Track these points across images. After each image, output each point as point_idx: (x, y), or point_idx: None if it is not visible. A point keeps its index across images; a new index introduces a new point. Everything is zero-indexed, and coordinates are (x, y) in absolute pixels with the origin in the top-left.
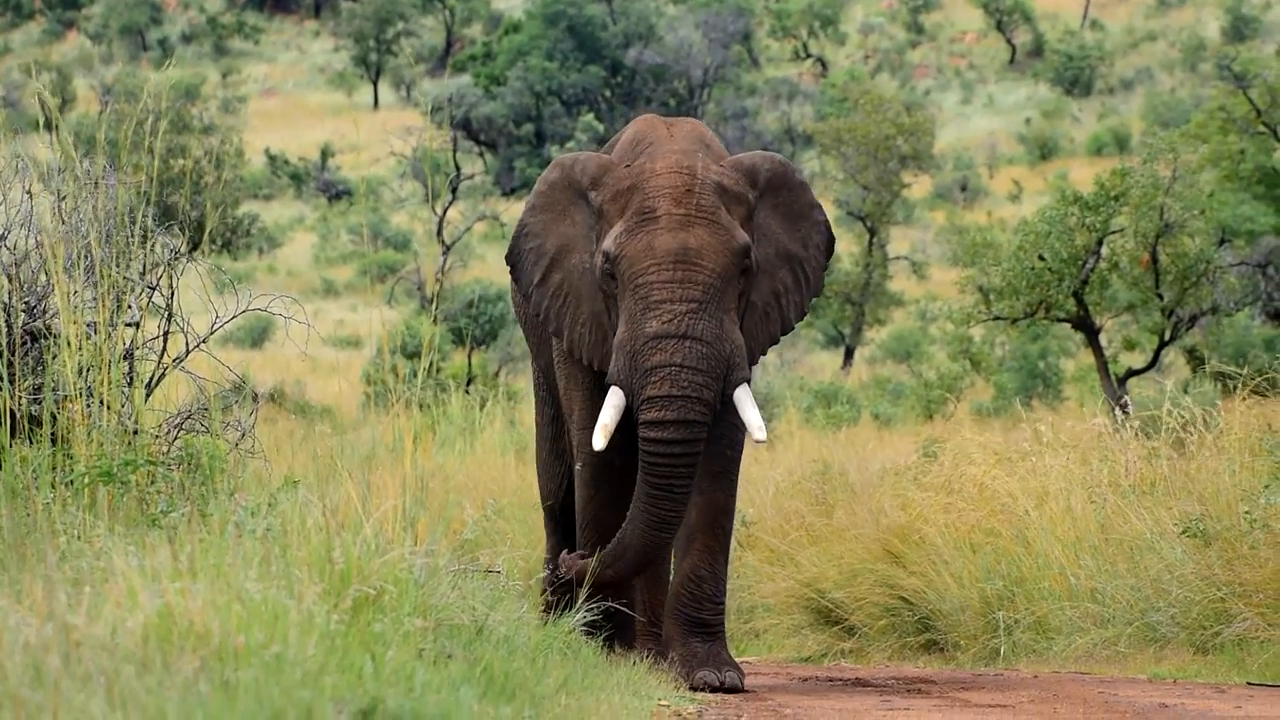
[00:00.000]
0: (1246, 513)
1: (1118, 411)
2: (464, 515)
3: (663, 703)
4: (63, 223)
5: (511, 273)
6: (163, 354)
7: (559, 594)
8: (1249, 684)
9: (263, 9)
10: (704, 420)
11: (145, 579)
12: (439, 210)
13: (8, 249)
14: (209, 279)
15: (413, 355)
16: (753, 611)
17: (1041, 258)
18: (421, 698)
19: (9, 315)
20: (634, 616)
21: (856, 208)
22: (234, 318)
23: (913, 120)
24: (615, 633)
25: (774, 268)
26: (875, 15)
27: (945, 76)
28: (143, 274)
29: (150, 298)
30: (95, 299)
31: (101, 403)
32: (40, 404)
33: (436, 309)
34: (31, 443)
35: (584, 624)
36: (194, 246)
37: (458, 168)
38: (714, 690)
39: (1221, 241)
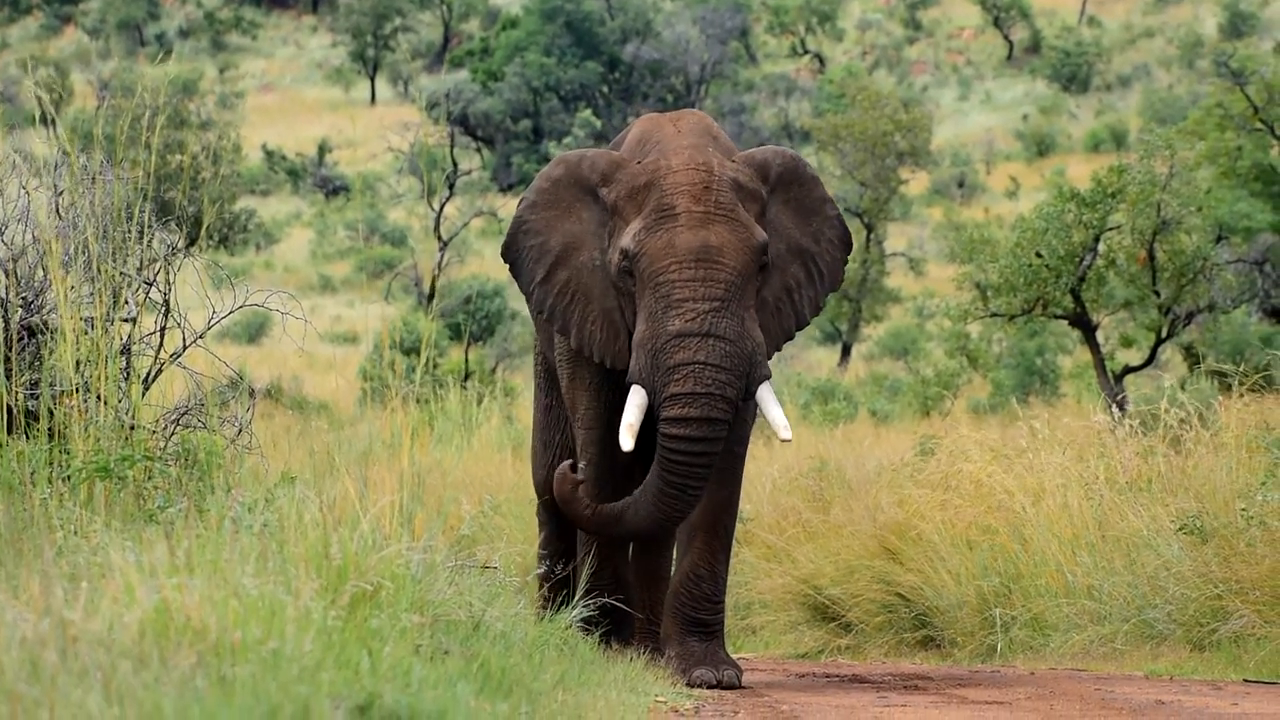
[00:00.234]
0: (1243, 510)
1: (1114, 409)
2: (461, 511)
3: (660, 699)
4: (60, 218)
5: (510, 269)
6: (160, 349)
7: (555, 590)
8: (1246, 681)
9: (260, 4)
10: (727, 419)
11: (142, 574)
12: (436, 206)
13: (5, 244)
14: (206, 274)
15: (410, 351)
16: (749, 608)
17: (1039, 254)
18: (418, 693)
19: (6, 310)
20: (631, 613)
21: (854, 204)
22: (231, 313)
23: (910, 117)
24: (612, 629)
25: (786, 263)
26: (873, 11)
27: (943, 73)
28: (140, 269)
29: (147, 293)
30: (92, 294)
31: (99, 398)
32: (37, 399)
33: (437, 304)
34: (28, 438)
35: (581, 620)
36: (191, 242)
37: (455, 163)
38: (711, 688)
39: (1219, 238)
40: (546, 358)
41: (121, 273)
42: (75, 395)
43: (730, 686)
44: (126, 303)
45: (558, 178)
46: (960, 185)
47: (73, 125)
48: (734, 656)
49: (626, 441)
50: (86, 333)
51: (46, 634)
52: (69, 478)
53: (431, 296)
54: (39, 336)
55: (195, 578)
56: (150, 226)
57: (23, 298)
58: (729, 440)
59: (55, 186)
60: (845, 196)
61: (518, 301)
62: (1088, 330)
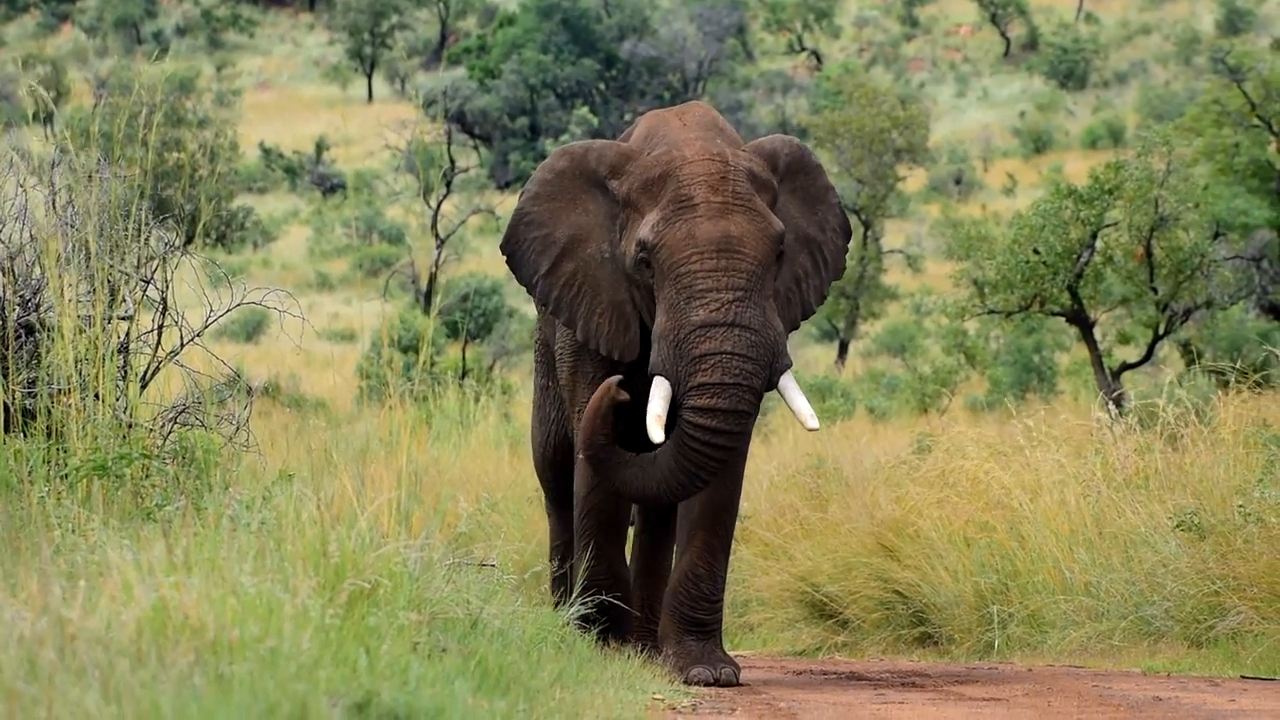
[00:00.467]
0: (1240, 507)
1: (1110, 406)
2: (458, 509)
3: (657, 697)
4: (57, 216)
5: (509, 262)
6: (157, 347)
7: (556, 586)
8: (1243, 677)
9: (257, 2)
10: (753, 411)
11: (140, 572)
12: (433, 204)
13: (2, 242)
14: (203, 272)
15: (408, 349)
16: (747, 605)
17: (1036, 251)
18: (416, 691)
19: (3, 309)
20: (629, 611)
21: (851, 201)
22: (228, 311)
23: (907, 113)
24: (610, 627)
25: (794, 252)
26: (870, 8)
27: (940, 70)
28: (137, 267)
29: (145, 291)
30: (90, 292)
31: (96, 396)
32: (35, 397)
33: (440, 301)
34: (26, 436)
35: (578, 617)
36: (188, 240)
37: (452, 161)
38: (709, 685)
39: (1216, 235)
40: (548, 343)
41: (119, 271)
42: (73, 393)
43: (728, 684)
44: (124, 301)
45: (562, 169)
46: (957, 182)
47: (69, 123)
48: (732, 654)
49: (657, 433)
50: (84, 331)
51: (44, 632)
52: (66, 476)
53: (430, 294)
54: (36, 335)
55: (193, 576)
56: (147, 224)
57: (20, 296)
58: None
59: (52, 184)
60: (842, 193)
61: (515, 299)
62: (1085, 327)
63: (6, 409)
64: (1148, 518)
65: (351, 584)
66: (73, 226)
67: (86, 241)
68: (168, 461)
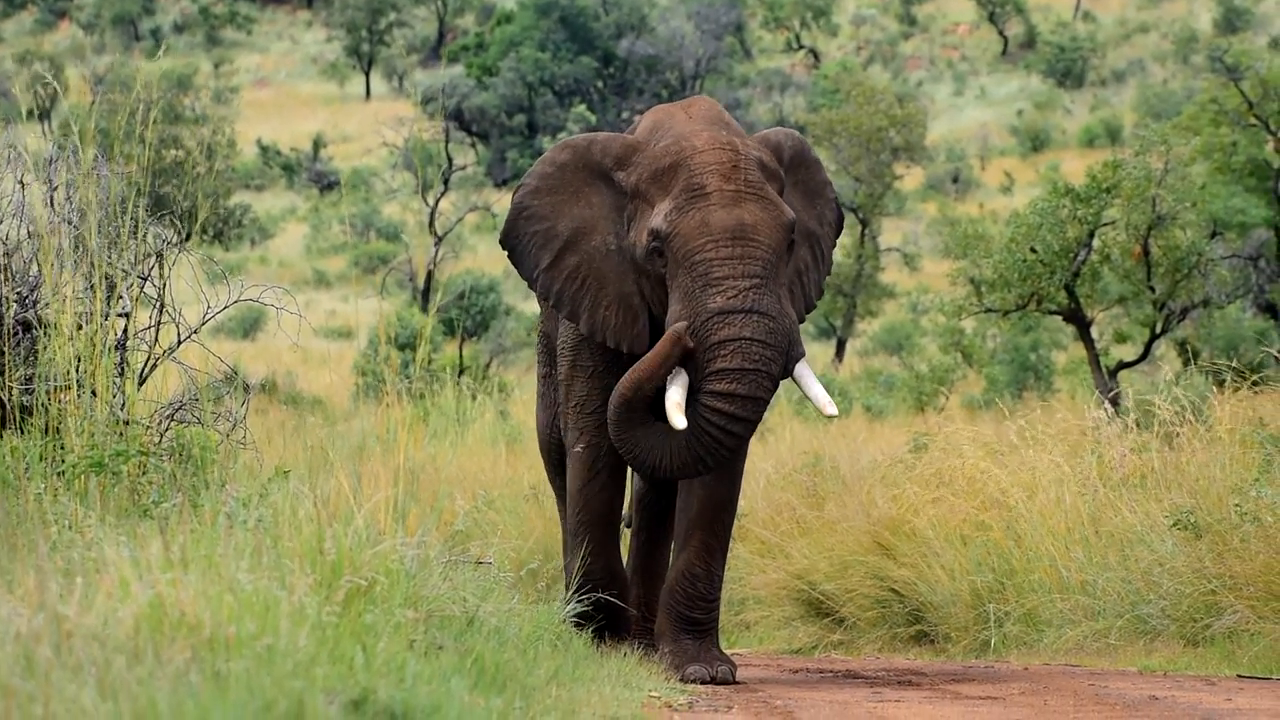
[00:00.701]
0: (1237, 505)
1: (1107, 405)
2: (455, 507)
3: (653, 694)
4: (55, 213)
5: (510, 256)
6: (154, 344)
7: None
8: (1239, 676)
9: None
10: (769, 398)
11: (137, 569)
12: (431, 201)
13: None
14: (201, 269)
15: (404, 346)
16: (743, 603)
17: (1033, 250)
18: (412, 689)
19: (1, 305)
20: (626, 609)
21: (848, 199)
22: (225, 308)
23: (905, 112)
24: (606, 624)
25: (797, 246)
26: (867, 7)
27: (937, 68)
28: (135, 264)
29: (142, 288)
30: (88, 289)
31: (93, 393)
32: (32, 394)
33: (438, 299)
34: (23, 433)
35: (575, 615)
36: (185, 237)
37: (450, 159)
38: (705, 684)
39: (1213, 234)
40: (549, 336)
41: (116, 268)
42: (70, 390)
43: (724, 682)
44: (121, 298)
45: (564, 162)
46: (955, 181)
47: (72, 116)
48: (728, 652)
49: (679, 419)
50: (81, 328)
51: (41, 629)
52: (63, 472)
53: (428, 292)
54: (34, 331)
55: (189, 573)
56: (145, 221)
57: (17, 293)
58: None
59: (50, 181)
60: (840, 192)
61: (513, 297)
62: (1082, 326)
63: (4, 406)
64: (1144, 516)
65: (348, 581)
66: (70, 223)
67: (84, 238)
68: (165, 458)
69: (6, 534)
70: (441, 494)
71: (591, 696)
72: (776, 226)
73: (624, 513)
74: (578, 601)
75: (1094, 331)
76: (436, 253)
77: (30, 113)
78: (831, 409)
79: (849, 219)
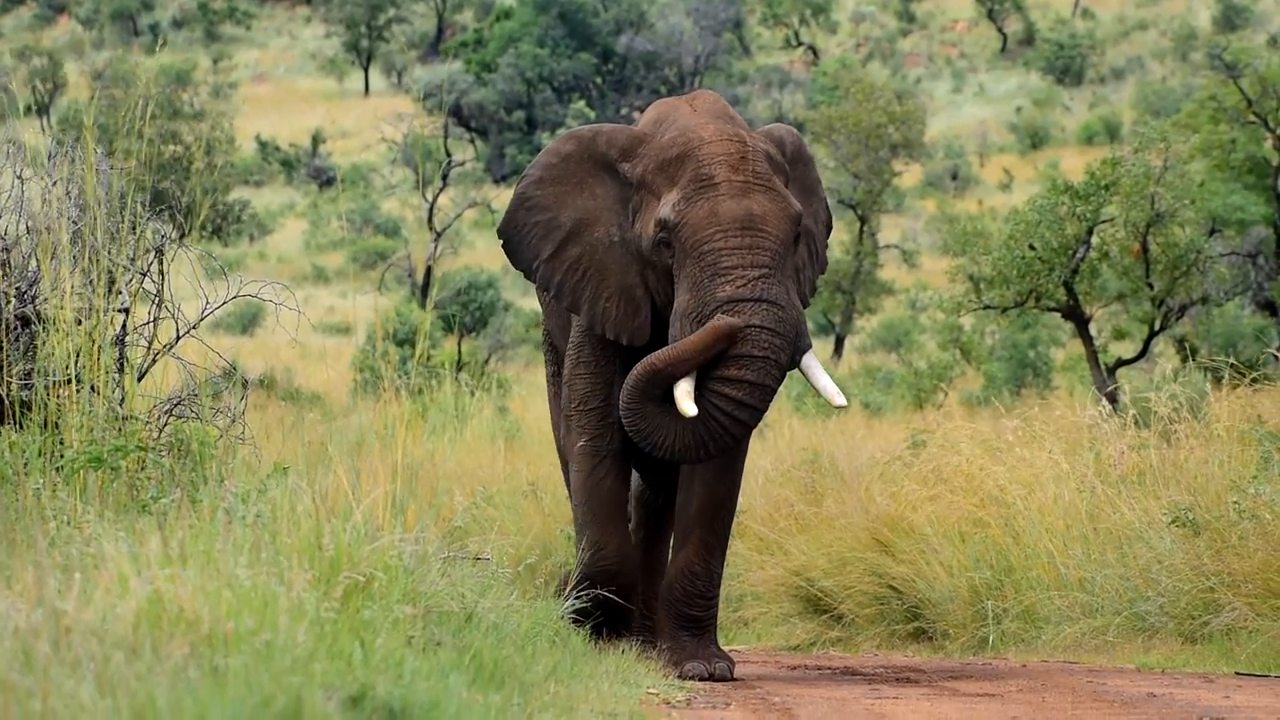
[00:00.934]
0: (1235, 503)
1: (1105, 402)
2: (453, 502)
3: (651, 691)
4: (54, 208)
5: (505, 246)
6: (153, 340)
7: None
8: (1237, 674)
9: None
10: (776, 387)
11: (135, 565)
12: (430, 197)
13: None
14: (199, 265)
15: (403, 342)
16: (741, 600)
17: (1032, 247)
18: (411, 685)
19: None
20: (626, 606)
21: (847, 196)
22: (224, 304)
23: (904, 109)
24: (606, 620)
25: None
26: (866, 3)
27: (936, 65)
28: (133, 260)
29: (141, 283)
30: (87, 284)
31: (92, 389)
32: (31, 389)
33: (436, 294)
34: (22, 428)
35: (575, 610)
36: (184, 233)
37: (449, 154)
38: (703, 680)
39: (1212, 231)
40: (552, 334)
41: (115, 263)
42: (69, 386)
43: (722, 679)
44: (120, 293)
45: (568, 153)
46: (954, 177)
47: (66, 116)
48: (726, 649)
49: (689, 406)
50: (80, 323)
51: (40, 624)
52: (62, 468)
53: (427, 287)
54: (33, 326)
55: (188, 568)
56: (143, 217)
57: (16, 288)
58: None
59: (49, 176)
60: (839, 188)
61: (511, 293)
62: (1081, 323)
63: (2, 401)
64: (1142, 513)
65: (346, 577)
66: (70, 219)
67: (83, 233)
68: (163, 454)
69: (5, 529)
70: (440, 490)
71: (590, 693)
72: (784, 218)
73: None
74: (588, 583)
75: (1093, 328)
76: (435, 248)
77: (29, 108)
78: (840, 400)
79: (848, 215)
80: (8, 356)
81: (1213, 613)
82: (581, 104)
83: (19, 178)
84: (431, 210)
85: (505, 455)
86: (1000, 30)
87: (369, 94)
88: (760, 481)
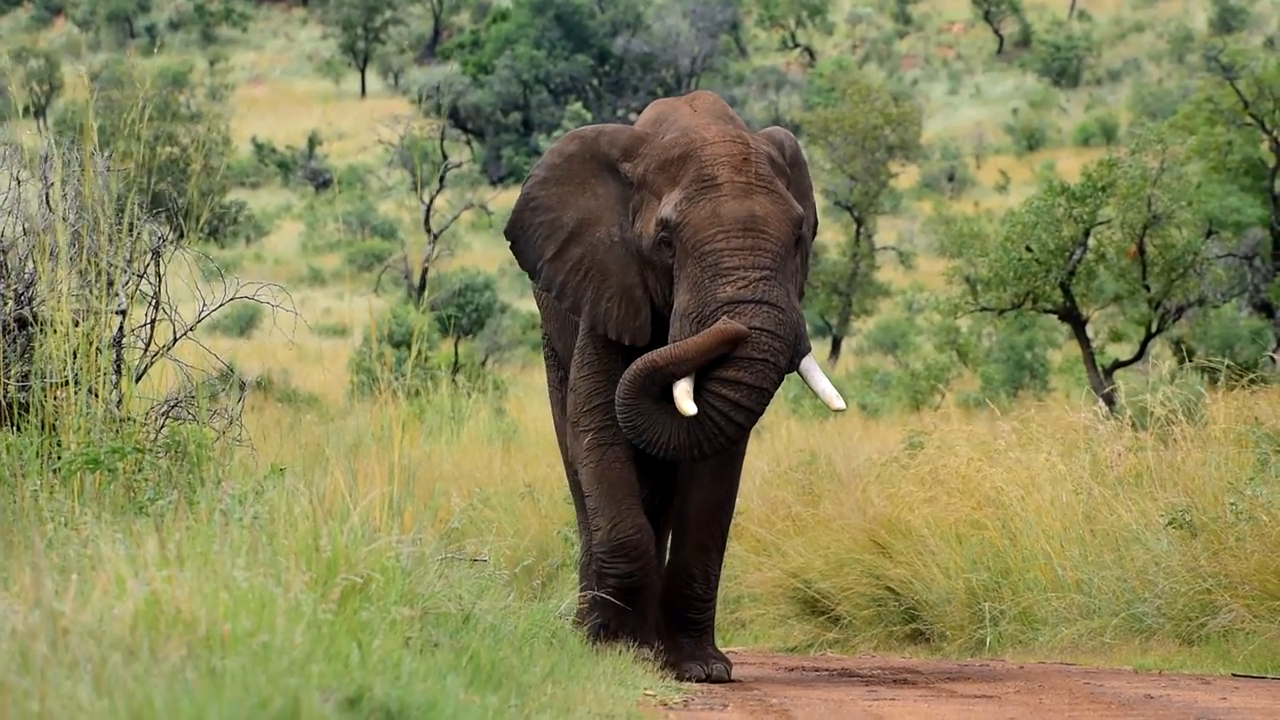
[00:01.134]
0: (1232, 504)
1: (1101, 404)
2: (451, 504)
3: (649, 692)
4: (50, 210)
5: (512, 247)
6: (150, 342)
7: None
8: (1234, 675)
9: None
10: (774, 389)
11: (132, 566)
12: (426, 199)
13: None
14: (196, 267)
15: (400, 344)
16: (739, 601)
17: (1028, 249)
18: (408, 686)
19: None
20: (624, 607)
21: (844, 198)
22: (221, 305)
23: (900, 110)
24: (603, 622)
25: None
26: (863, 5)
27: (933, 67)
28: (130, 261)
29: (138, 285)
30: (83, 287)
31: (89, 390)
32: (28, 391)
33: (428, 295)
34: (19, 430)
35: (597, 601)
36: (180, 234)
37: (445, 156)
38: (700, 682)
39: (1209, 233)
40: (551, 337)
41: (112, 265)
42: (66, 387)
43: (719, 680)
44: (117, 295)
45: (572, 153)
46: (950, 179)
47: (62, 117)
48: (723, 650)
49: (689, 405)
50: (78, 325)
51: (37, 625)
52: (59, 469)
53: (423, 289)
54: (30, 328)
55: (185, 570)
56: (140, 219)
57: (13, 290)
58: None
59: (45, 178)
60: (835, 190)
61: (508, 295)
62: (1077, 325)
63: (0, 403)
64: (1139, 515)
65: (344, 579)
66: (66, 220)
67: (80, 235)
68: (160, 456)
69: (3, 530)
70: (437, 491)
71: (587, 694)
72: (786, 220)
73: None
74: (609, 559)
75: (1089, 330)
76: (432, 250)
77: (26, 109)
78: (839, 403)
79: (844, 217)
80: (5, 358)
81: (1210, 614)
82: (578, 106)
83: (16, 179)
84: (428, 212)
85: (502, 457)
86: (997, 32)
87: (365, 96)
88: (757, 483)
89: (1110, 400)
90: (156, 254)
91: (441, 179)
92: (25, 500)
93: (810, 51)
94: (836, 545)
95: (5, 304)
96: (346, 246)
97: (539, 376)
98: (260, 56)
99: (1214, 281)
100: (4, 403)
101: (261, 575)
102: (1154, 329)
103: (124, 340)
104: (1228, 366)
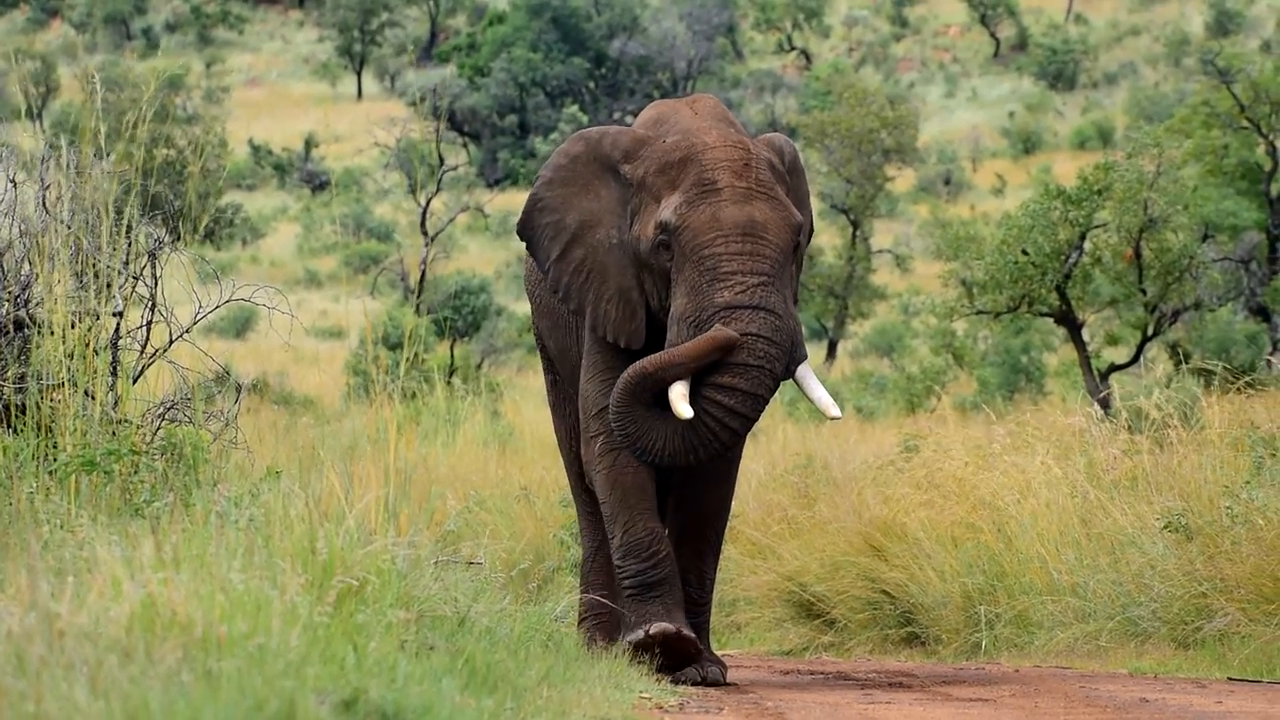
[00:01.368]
0: (1228, 508)
1: (1095, 407)
2: (446, 507)
3: (644, 695)
4: (47, 212)
5: (527, 248)
6: (146, 344)
7: (590, 613)
8: (1230, 679)
9: None
10: (770, 396)
11: (128, 569)
12: (422, 201)
13: None
14: (192, 269)
15: (395, 346)
16: (734, 604)
17: (1024, 252)
18: (404, 689)
19: None
20: (619, 610)
21: (840, 201)
22: (217, 308)
23: (896, 113)
24: (597, 624)
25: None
26: (859, 8)
27: (929, 70)
28: (127, 263)
29: (134, 287)
30: (80, 288)
31: (86, 392)
32: (24, 393)
33: (416, 297)
34: (15, 432)
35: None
36: (176, 236)
37: (441, 159)
38: (696, 685)
39: (1205, 237)
40: (541, 337)
41: (109, 267)
42: (63, 389)
43: (715, 683)
44: (113, 297)
45: (577, 154)
46: (946, 182)
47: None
48: (719, 653)
49: (685, 409)
50: (74, 327)
51: (33, 627)
52: (55, 471)
53: (420, 291)
54: (26, 330)
55: (181, 572)
56: (137, 220)
57: (9, 291)
58: None
59: (42, 180)
60: (831, 193)
61: (504, 297)
62: (1073, 328)
63: None
64: (1135, 519)
65: (340, 581)
66: (63, 222)
67: (77, 237)
68: (156, 458)
69: None
70: (433, 494)
71: (582, 697)
72: (785, 227)
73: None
74: (621, 566)
75: (1085, 334)
76: (428, 253)
77: (24, 111)
78: (835, 411)
79: (840, 220)
80: (2, 360)
81: (1205, 618)
82: (574, 108)
83: (12, 181)
84: (424, 214)
85: (498, 460)
86: (993, 35)
87: (362, 98)
88: (753, 486)
89: (1106, 404)
90: (153, 256)
91: (438, 182)
92: (21, 502)
93: (806, 54)
94: (832, 548)
95: (2, 306)
96: (343, 249)
97: (535, 379)
98: (257, 59)
99: (1210, 285)
100: (0, 404)
101: (257, 578)
102: (1150, 332)
103: (120, 342)
104: (1224, 370)
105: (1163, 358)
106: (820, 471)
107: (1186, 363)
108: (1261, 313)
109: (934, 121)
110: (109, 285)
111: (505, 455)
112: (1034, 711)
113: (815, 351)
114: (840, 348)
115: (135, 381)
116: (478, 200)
